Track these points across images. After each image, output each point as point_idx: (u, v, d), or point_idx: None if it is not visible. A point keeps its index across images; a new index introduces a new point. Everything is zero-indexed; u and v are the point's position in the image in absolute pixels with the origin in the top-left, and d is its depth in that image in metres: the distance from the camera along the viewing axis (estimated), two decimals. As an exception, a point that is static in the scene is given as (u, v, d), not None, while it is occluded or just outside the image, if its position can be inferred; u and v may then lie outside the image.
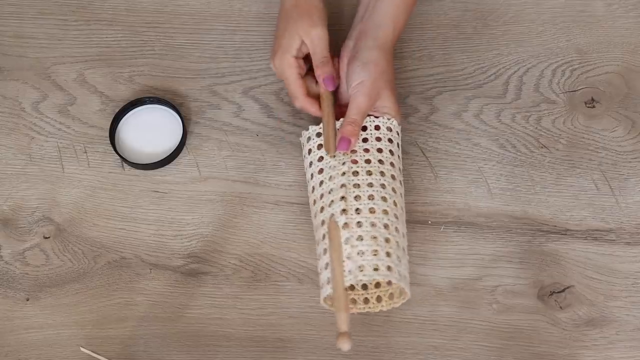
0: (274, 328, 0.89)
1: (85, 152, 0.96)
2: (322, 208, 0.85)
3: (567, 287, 0.90)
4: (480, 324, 0.89)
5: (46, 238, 0.93)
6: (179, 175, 0.95)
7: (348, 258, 0.81)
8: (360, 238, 0.82)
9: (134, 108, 0.97)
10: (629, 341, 0.88)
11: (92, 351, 0.89)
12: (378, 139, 0.88)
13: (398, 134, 0.90)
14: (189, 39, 1.01)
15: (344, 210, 0.83)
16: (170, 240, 0.92)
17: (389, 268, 0.81)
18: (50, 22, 1.02)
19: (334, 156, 0.86)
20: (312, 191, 0.87)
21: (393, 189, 0.85)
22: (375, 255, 0.81)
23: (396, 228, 0.84)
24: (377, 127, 0.88)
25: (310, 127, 0.89)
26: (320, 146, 0.88)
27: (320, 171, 0.87)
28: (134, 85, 0.99)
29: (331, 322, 0.89)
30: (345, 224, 0.82)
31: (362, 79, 0.86)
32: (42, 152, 0.96)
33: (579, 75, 0.98)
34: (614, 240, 0.91)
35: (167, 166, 0.95)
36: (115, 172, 0.95)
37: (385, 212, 0.83)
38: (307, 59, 0.92)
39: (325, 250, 0.83)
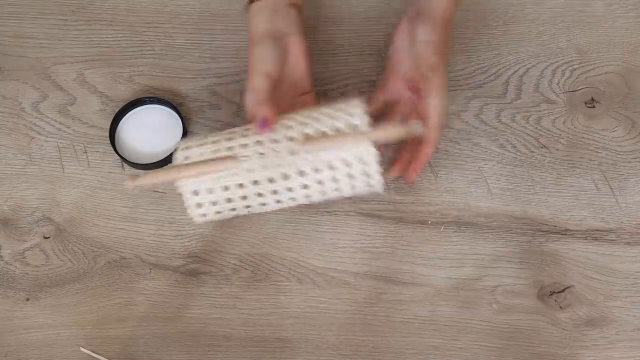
0: (274, 328, 0.89)
1: (85, 152, 0.96)
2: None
3: (567, 287, 0.90)
4: (480, 324, 0.89)
5: (46, 238, 0.93)
6: (179, 175, 0.95)
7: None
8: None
9: (134, 108, 0.97)
10: (629, 341, 0.88)
11: (92, 351, 0.89)
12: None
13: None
14: (189, 39, 1.01)
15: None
16: (170, 240, 0.92)
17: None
18: (50, 22, 1.02)
19: None
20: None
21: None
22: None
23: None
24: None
25: None
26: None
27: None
28: (134, 85, 0.99)
29: (332, 322, 0.89)
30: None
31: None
32: (42, 152, 0.96)
33: (579, 75, 0.98)
34: (614, 240, 0.92)
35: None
36: (115, 172, 0.95)
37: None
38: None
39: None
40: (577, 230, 0.92)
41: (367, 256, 0.91)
